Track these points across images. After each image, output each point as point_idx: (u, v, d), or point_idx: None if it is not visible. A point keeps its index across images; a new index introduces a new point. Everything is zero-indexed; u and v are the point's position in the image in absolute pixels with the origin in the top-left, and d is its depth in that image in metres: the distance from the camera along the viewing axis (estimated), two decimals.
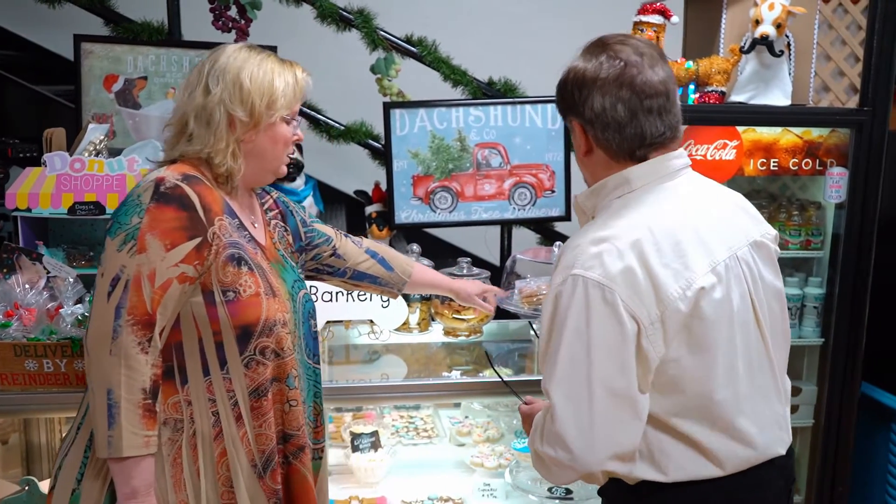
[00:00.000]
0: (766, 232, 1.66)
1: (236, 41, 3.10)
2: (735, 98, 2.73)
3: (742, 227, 1.62)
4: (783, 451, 1.64)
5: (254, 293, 1.64)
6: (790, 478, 1.70)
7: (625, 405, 1.47)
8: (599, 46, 1.57)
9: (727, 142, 2.67)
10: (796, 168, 2.77)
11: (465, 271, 2.72)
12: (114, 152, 2.62)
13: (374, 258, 2.14)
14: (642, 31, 2.74)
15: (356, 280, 2.13)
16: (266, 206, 1.89)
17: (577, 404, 1.45)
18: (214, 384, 1.63)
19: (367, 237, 3.08)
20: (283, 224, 1.91)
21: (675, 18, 2.79)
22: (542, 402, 1.79)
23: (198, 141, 1.66)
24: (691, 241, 1.52)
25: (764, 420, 1.60)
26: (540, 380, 1.54)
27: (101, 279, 1.57)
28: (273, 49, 3.13)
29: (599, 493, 1.73)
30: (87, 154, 2.41)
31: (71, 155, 2.40)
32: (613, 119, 1.53)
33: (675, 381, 1.51)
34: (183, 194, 1.59)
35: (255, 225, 1.79)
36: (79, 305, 2.15)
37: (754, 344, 1.59)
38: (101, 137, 2.48)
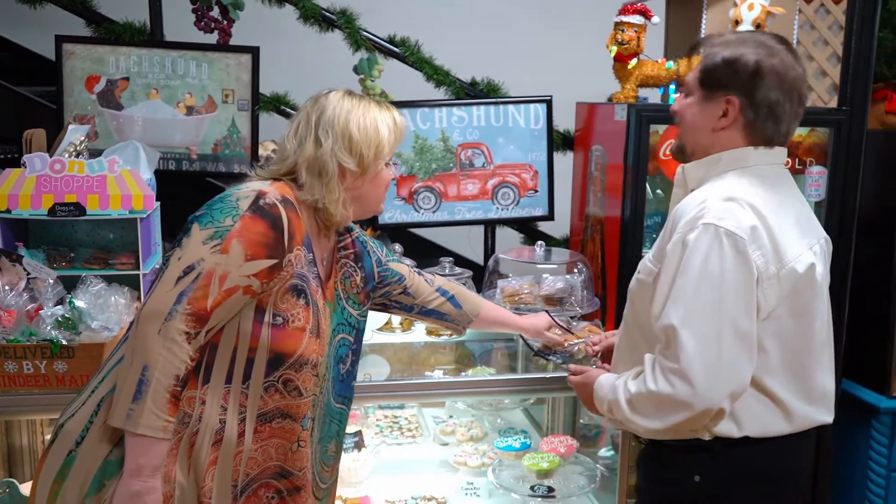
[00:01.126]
0: (826, 236, 1.86)
1: (219, 42, 3.11)
2: None
3: (816, 223, 1.85)
4: (830, 421, 1.81)
5: (300, 327, 1.67)
6: (814, 443, 1.88)
7: (746, 346, 1.60)
8: (769, 46, 1.72)
9: None
10: None
11: (447, 271, 2.73)
12: (95, 153, 2.61)
13: (444, 296, 2.18)
14: (623, 31, 2.76)
15: (422, 315, 2.18)
16: (342, 245, 1.91)
17: (707, 342, 1.57)
18: (231, 394, 1.64)
19: None
20: (353, 265, 1.92)
21: (655, 19, 2.81)
22: (595, 370, 1.91)
23: (309, 191, 1.71)
24: (798, 220, 1.75)
25: (824, 392, 1.78)
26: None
27: (176, 262, 1.59)
28: (256, 50, 3.13)
29: (645, 458, 1.85)
30: (67, 155, 2.40)
31: (51, 156, 2.39)
32: (778, 112, 1.72)
33: (773, 338, 1.67)
34: (278, 216, 1.63)
35: (325, 262, 1.82)
36: (59, 307, 2.15)
37: (826, 321, 1.80)
38: (82, 138, 2.47)
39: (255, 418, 1.65)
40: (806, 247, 1.72)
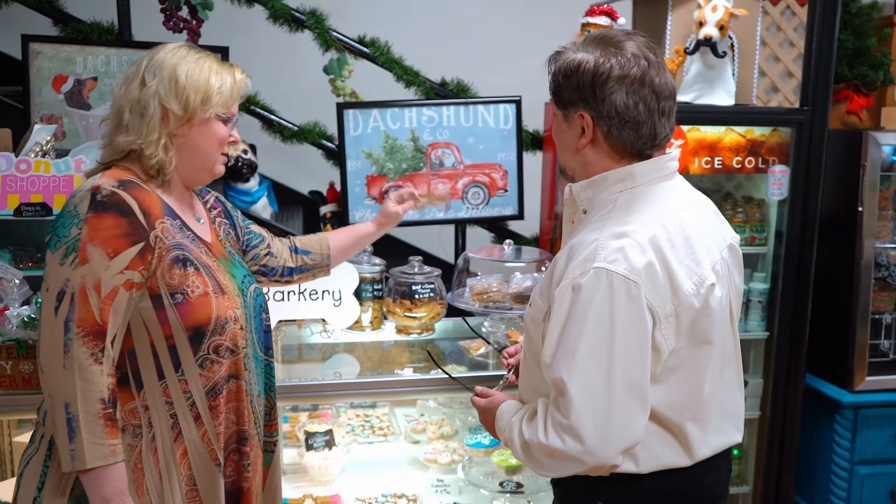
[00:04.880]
0: (734, 235, 1.73)
1: (188, 41, 3.10)
2: (680, 98, 2.79)
3: (720, 229, 1.70)
4: (739, 440, 1.73)
5: (202, 293, 1.64)
6: (731, 460, 1.81)
7: (638, 398, 1.50)
8: (612, 43, 1.57)
9: (672, 140, 2.73)
10: (739, 166, 2.84)
11: (416, 269, 2.75)
12: (62, 153, 2.60)
13: (295, 252, 2.11)
14: (590, 32, 2.79)
15: (288, 276, 2.11)
16: (209, 206, 1.90)
17: (596, 397, 1.47)
18: (170, 387, 1.63)
19: None
20: (227, 221, 1.92)
21: (621, 20, 2.85)
22: (500, 394, 1.81)
23: (132, 132, 1.66)
24: (696, 239, 1.58)
25: (729, 411, 1.69)
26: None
27: (46, 294, 1.55)
28: (225, 50, 3.13)
29: (554, 483, 1.76)
30: (33, 155, 2.39)
31: (17, 156, 2.37)
32: (634, 118, 1.55)
33: (675, 373, 1.56)
34: (121, 200, 1.58)
35: (201, 221, 1.80)
36: (25, 307, 2.14)
37: (728, 339, 1.68)
38: (48, 138, 2.46)
39: (204, 397, 1.65)
40: (708, 267, 1.58)
